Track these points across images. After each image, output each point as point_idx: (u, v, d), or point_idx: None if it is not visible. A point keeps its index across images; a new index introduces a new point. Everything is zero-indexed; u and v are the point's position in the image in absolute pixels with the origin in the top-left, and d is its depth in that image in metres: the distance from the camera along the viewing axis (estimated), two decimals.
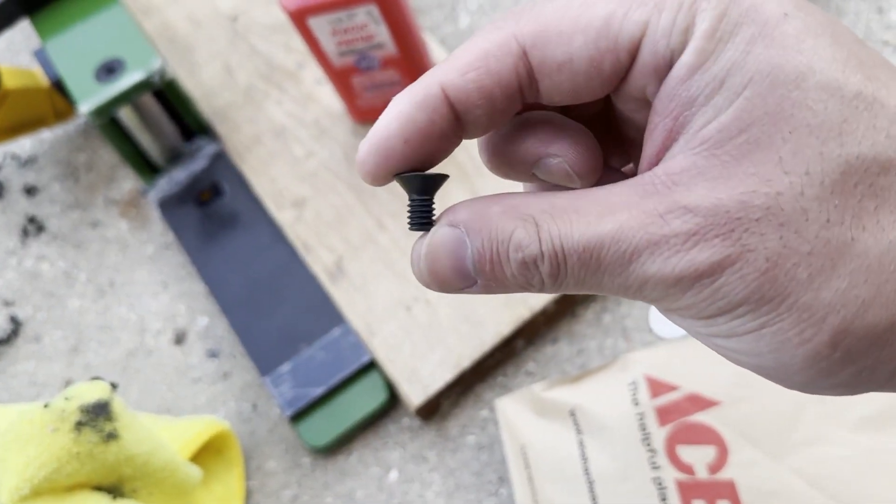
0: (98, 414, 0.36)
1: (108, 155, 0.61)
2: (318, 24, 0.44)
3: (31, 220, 0.59)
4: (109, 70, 0.49)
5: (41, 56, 0.56)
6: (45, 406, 0.35)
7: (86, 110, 0.48)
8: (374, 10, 0.44)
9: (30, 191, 0.61)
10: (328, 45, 0.46)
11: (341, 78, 0.49)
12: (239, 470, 0.46)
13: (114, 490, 0.38)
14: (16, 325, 0.55)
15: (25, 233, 0.59)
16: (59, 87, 0.56)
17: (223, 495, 0.45)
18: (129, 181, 0.59)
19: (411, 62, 0.48)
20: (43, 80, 0.57)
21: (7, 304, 0.56)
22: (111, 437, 0.36)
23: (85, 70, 0.50)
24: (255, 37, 0.58)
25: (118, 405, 0.37)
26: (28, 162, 0.62)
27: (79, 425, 0.35)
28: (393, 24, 0.45)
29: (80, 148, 0.62)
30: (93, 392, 0.36)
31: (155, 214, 0.57)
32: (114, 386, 0.38)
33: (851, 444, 0.34)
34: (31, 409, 0.35)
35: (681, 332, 0.45)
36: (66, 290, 0.56)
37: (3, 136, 0.58)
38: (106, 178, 0.60)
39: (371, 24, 0.45)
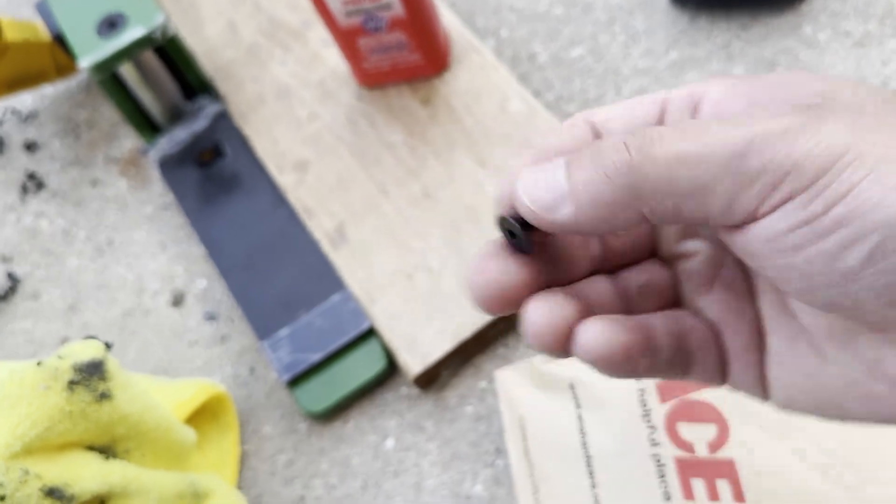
0: (91, 373, 0.35)
1: (109, 112, 0.60)
2: None
3: (31, 176, 0.58)
4: (111, 25, 0.48)
5: (42, 9, 0.55)
6: (38, 364, 0.35)
7: (86, 65, 0.47)
8: None
9: (30, 147, 0.60)
10: (334, 3, 0.45)
11: (347, 39, 0.48)
12: (234, 433, 0.46)
13: (106, 450, 0.37)
14: (14, 281, 0.54)
15: (25, 189, 0.58)
16: (60, 41, 0.55)
17: (218, 458, 0.45)
18: (129, 139, 0.58)
19: (420, 24, 0.47)
20: (44, 33, 0.56)
21: (5, 260, 0.56)
22: (104, 396, 0.36)
23: (86, 24, 0.49)
24: None
25: (112, 365, 0.36)
26: (29, 117, 0.62)
27: (72, 384, 0.35)
28: None
29: (81, 104, 0.61)
30: (86, 351, 0.36)
31: (155, 174, 0.56)
32: (108, 345, 0.37)
33: (855, 426, 0.33)
34: (23, 367, 0.35)
35: None
36: (65, 248, 0.55)
37: (3, 91, 0.57)
38: (107, 136, 0.59)
39: None
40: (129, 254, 0.54)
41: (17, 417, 0.34)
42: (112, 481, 0.36)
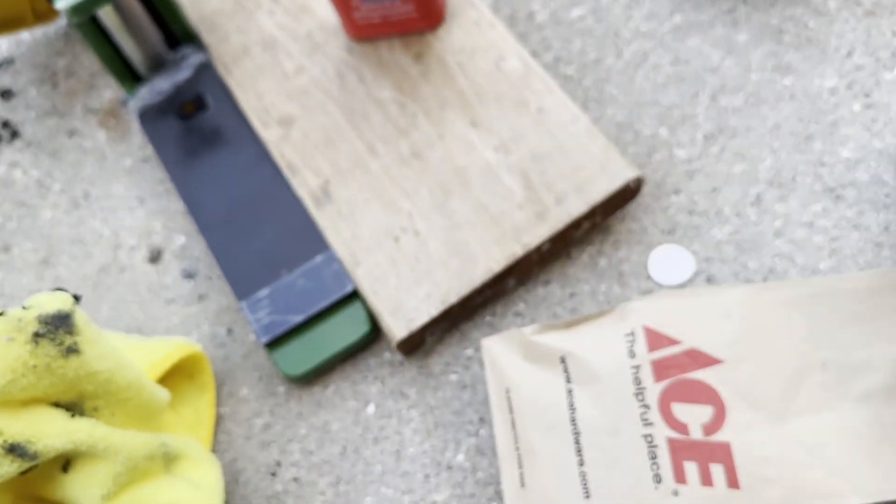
0: (58, 326, 0.33)
1: (88, 61, 0.57)
2: None
3: (5, 124, 0.56)
4: None
5: None
6: (1, 314, 0.33)
7: (63, 7, 0.45)
8: None
9: (4, 94, 0.57)
10: None
11: None
12: (210, 395, 0.44)
13: (73, 407, 0.36)
14: None
15: None
16: None
17: (192, 420, 0.43)
18: (109, 90, 0.56)
19: None
20: None
21: None
22: (71, 351, 0.34)
23: None
24: None
25: (81, 318, 0.34)
26: (3, 64, 0.59)
27: (36, 336, 0.33)
28: None
29: (59, 52, 0.59)
30: (53, 302, 0.34)
31: (135, 126, 0.54)
32: (77, 298, 0.35)
33: (854, 415, 0.32)
34: None
35: (681, 279, 0.43)
36: (39, 200, 0.53)
37: None
38: (85, 86, 0.57)
39: None
40: (106, 208, 0.52)
41: None
42: (78, 439, 0.34)
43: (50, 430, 0.34)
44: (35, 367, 0.33)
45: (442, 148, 0.45)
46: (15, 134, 0.56)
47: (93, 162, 0.54)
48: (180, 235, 0.50)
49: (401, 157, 0.46)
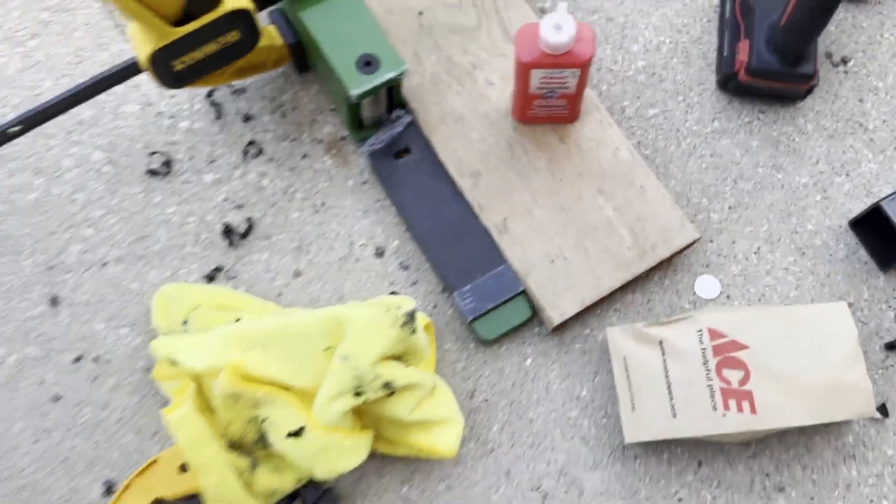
0: (411, 317, 0.60)
1: (308, 99, 0.80)
2: (536, 73, 0.67)
3: (251, 142, 0.79)
4: (367, 63, 0.69)
5: (277, 18, 0.74)
6: (387, 311, 0.59)
7: (355, 94, 0.68)
8: (577, 70, 0.66)
9: (245, 118, 0.79)
10: (534, 82, 0.68)
11: (528, 98, 0.71)
12: (434, 347, 0.72)
13: (399, 359, 0.63)
14: (250, 223, 0.76)
15: (246, 153, 0.78)
16: (295, 47, 0.74)
17: (426, 363, 0.71)
18: (328, 126, 0.79)
19: (579, 95, 0.71)
20: (277, 37, 0.75)
21: (238, 206, 0.77)
22: (413, 332, 0.61)
23: (349, 61, 0.69)
24: (437, 34, 0.78)
25: (419, 312, 0.61)
26: (238, 91, 0.81)
27: (402, 325, 0.60)
28: (582, 78, 0.68)
29: (281, 89, 0.81)
30: (408, 304, 0.60)
31: (353, 157, 0.78)
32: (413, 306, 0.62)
33: (815, 381, 0.64)
34: (376, 314, 0.59)
35: (713, 296, 0.74)
36: (286, 203, 0.77)
37: (234, 77, 0.76)
38: (308, 120, 0.80)
39: (569, 78, 0.67)
40: (339, 215, 0.76)
41: (378, 342, 0.59)
42: (413, 379, 0.62)
43: (399, 374, 0.61)
44: (399, 340, 0.60)
45: (580, 206, 0.73)
46: (260, 151, 0.78)
47: (323, 180, 0.78)
48: (395, 240, 0.76)
49: (553, 208, 0.73)
